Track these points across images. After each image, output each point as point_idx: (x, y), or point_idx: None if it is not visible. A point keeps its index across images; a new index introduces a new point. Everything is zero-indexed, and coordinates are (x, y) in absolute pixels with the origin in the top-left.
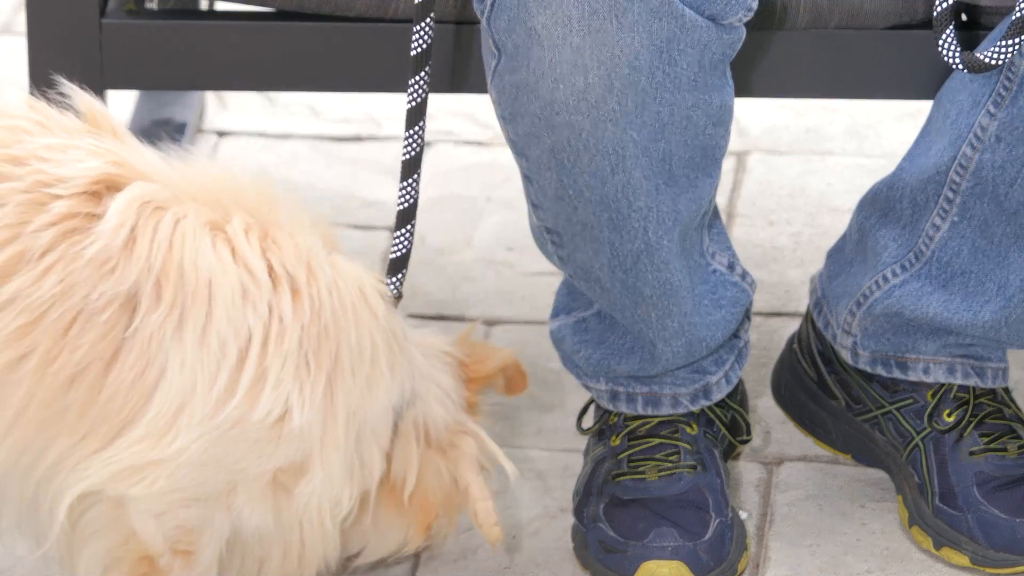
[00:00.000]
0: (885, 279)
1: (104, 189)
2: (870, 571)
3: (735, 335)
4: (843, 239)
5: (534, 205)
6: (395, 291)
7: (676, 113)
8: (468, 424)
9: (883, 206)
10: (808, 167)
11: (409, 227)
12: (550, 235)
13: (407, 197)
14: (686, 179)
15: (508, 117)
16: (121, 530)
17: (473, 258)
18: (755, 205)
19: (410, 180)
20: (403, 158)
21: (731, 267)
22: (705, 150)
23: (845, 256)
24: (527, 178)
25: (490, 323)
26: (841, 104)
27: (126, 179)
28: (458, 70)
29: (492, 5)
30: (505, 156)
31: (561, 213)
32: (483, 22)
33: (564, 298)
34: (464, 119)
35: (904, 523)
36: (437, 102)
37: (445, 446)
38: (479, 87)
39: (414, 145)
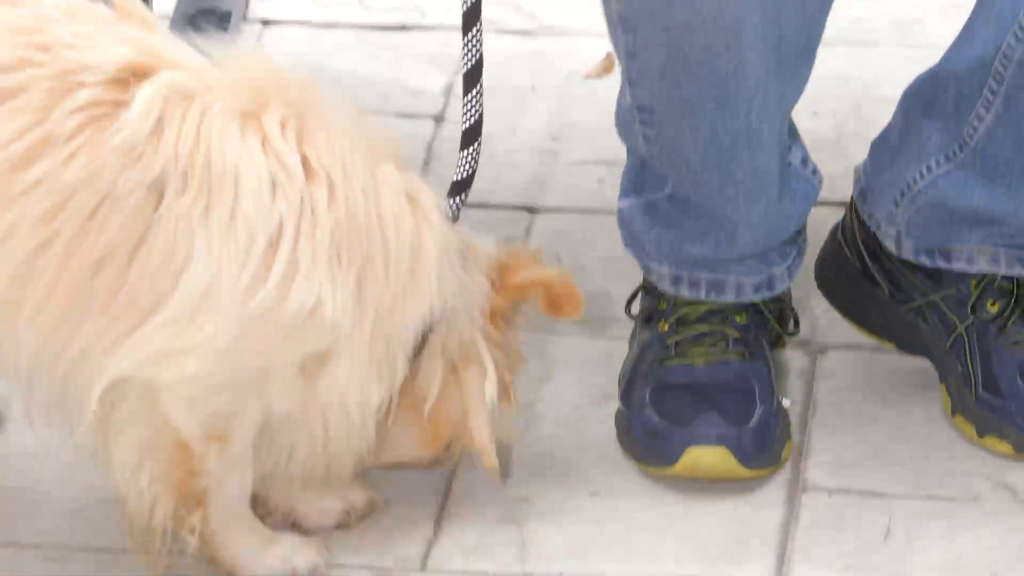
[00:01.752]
0: (929, 169)
1: (131, 76)
2: (912, 458)
3: (799, 230)
4: (887, 130)
5: (632, 82)
6: (454, 211)
7: None
8: (482, 351)
9: (927, 97)
10: (853, 58)
11: (475, 146)
12: (641, 113)
13: (472, 113)
14: (792, 66)
15: None
16: (154, 419)
17: (517, 146)
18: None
19: (473, 92)
20: (463, 70)
21: (804, 162)
22: (809, 39)
23: (889, 147)
24: (630, 54)
25: (533, 211)
26: None
27: (154, 67)
28: None
29: None
30: (549, 45)
31: (662, 91)
32: None
33: (633, 179)
34: (508, 8)
35: (947, 411)
36: None
37: (458, 367)
38: None
39: (473, 52)
